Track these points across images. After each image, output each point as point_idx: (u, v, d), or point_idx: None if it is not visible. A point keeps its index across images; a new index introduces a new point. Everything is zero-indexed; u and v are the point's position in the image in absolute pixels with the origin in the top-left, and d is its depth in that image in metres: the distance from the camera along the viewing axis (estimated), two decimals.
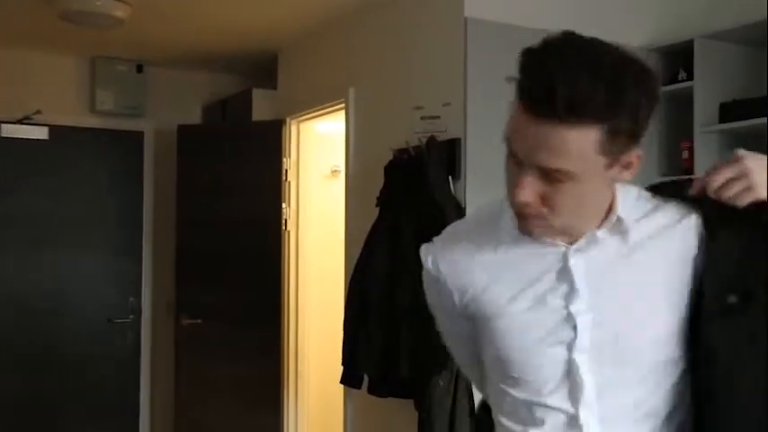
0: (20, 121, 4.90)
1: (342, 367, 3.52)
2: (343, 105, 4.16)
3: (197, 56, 5.04)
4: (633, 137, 1.19)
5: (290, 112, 4.72)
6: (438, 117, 3.37)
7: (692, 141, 3.41)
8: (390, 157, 3.46)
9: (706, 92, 3.39)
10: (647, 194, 1.40)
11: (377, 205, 3.45)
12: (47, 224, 5.07)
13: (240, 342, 4.70)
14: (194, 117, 5.38)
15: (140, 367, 5.26)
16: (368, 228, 3.45)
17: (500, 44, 3.24)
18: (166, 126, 5.21)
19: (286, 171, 4.70)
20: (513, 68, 1.17)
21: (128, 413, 5.23)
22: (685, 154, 3.50)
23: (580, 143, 1.16)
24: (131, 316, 5.25)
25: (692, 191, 1.34)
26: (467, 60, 3.23)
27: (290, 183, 4.70)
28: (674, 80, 3.52)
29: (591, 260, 1.34)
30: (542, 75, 1.14)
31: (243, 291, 4.71)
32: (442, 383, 3.05)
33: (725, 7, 3.46)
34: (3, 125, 4.70)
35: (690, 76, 3.43)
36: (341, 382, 3.57)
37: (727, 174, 1.28)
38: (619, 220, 1.33)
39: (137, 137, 5.29)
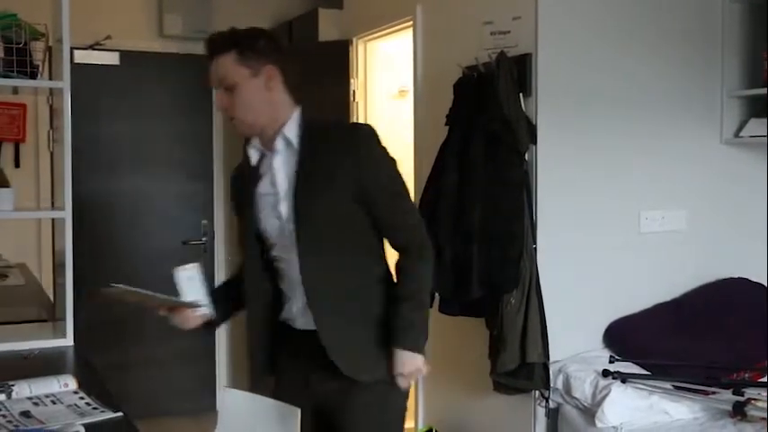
0: (91, 47, 4.96)
1: None
2: (410, 23, 4.09)
3: None
4: (258, 54, 2.19)
5: (357, 32, 4.66)
6: (508, 32, 3.29)
7: None
8: (459, 75, 3.39)
9: None
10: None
11: (446, 124, 3.41)
12: (120, 149, 5.18)
13: None
14: None
15: (214, 288, 5.38)
16: (437, 147, 3.42)
17: None
18: None
19: (353, 92, 4.68)
20: None
21: (202, 331, 5.37)
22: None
23: (226, 62, 2.21)
24: (204, 238, 5.37)
25: None
26: None
27: (357, 103, 4.68)
28: None
29: (285, 159, 2.26)
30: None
31: None
32: (513, 302, 3.05)
33: None
34: (75, 51, 4.75)
35: None
36: None
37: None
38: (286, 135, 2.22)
39: (206, 60, 5.29)
